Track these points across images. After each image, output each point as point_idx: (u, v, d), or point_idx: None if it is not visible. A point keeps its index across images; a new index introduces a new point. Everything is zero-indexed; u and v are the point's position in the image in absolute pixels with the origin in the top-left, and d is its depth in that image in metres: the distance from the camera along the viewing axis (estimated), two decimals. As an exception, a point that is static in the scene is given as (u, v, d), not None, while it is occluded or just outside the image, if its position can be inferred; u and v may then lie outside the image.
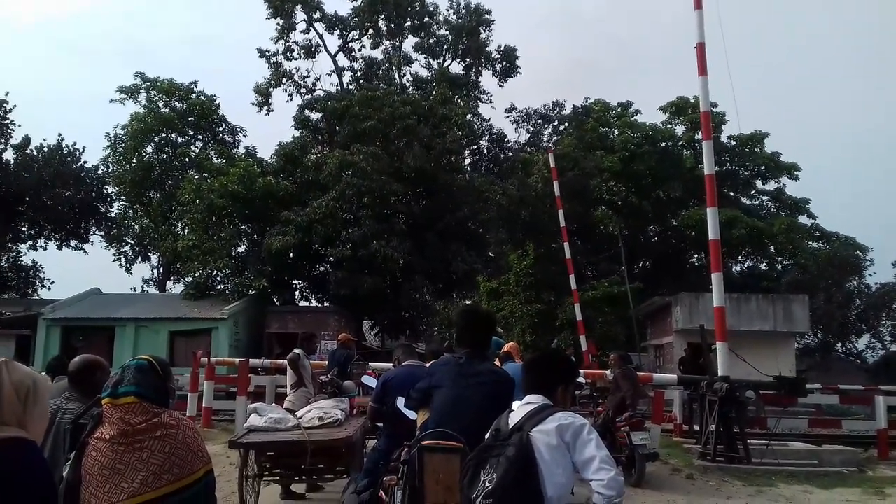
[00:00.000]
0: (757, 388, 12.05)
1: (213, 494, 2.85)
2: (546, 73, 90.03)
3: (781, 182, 35.21)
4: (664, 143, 34.13)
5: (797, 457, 11.31)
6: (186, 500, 2.66)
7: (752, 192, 36.17)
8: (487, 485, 2.86)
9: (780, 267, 35.21)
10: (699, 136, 28.81)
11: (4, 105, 30.53)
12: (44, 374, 5.18)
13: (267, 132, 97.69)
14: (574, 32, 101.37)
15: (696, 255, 35.13)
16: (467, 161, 33.78)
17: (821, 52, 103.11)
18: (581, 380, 10.64)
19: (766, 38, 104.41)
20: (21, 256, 35.27)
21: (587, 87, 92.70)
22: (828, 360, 36.17)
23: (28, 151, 32.75)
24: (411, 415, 4.72)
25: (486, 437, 3.16)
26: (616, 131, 34.92)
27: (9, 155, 32.19)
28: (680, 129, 34.79)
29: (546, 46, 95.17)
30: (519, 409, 3.16)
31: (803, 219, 34.72)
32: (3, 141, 31.41)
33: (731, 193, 34.11)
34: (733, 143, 34.47)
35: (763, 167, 34.40)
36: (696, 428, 12.91)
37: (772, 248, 33.13)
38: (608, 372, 11.81)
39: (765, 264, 35.25)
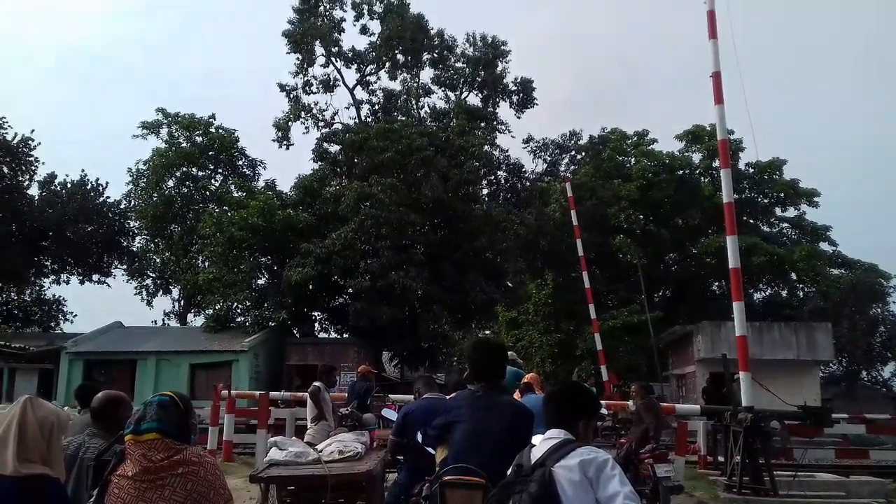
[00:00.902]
0: (782, 418, 11.86)
1: (235, 531, 2.86)
2: (560, 98, 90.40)
3: (801, 209, 34.98)
4: (681, 171, 34.06)
5: (824, 488, 11.07)
6: (208, 538, 2.66)
7: (772, 220, 35.92)
8: (510, 521, 2.83)
9: (801, 294, 34.81)
10: (716, 163, 28.73)
11: (30, 142, 31.11)
12: (66, 408, 5.22)
13: (286, 164, 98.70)
14: (587, 58, 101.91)
15: (717, 283, 34.83)
16: (485, 191, 33.96)
17: (839, 76, 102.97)
18: (603, 411, 10.53)
19: (782, 63, 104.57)
20: (44, 291, 35.75)
21: (602, 113, 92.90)
22: (853, 388, 35.52)
23: (52, 187, 33.29)
24: (431, 450, 4.69)
25: (508, 472, 3.13)
26: (633, 160, 34.91)
27: (33, 191, 32.80)
28: (697, 157, 34.74)
29: (559, 72, 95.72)
30: (541, 444, 3.13)
31: (825, 246, 34.42)
32: (27, 177, 31.98)
33: (751, 221, 33.86)
34: (751, 170, 34.33)
35: (782, 194, 34.18)
36: (721, 459, 12.69)
37: (793, 276, 32.79)
38: (630, 403, 11.68)
39: (786, 292, 34.86)
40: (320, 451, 7.15)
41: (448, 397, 5.73)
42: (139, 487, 2.64)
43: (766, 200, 35.06)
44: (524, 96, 35.87)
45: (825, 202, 34.00)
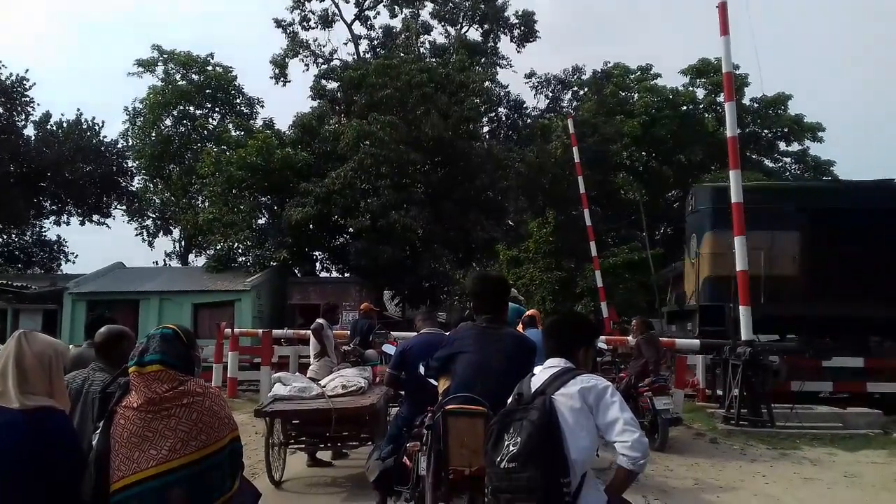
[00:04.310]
0: (781, 352, 11.99)
1: (241, 460, 2.90)
2: (562, 29, 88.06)
3: (805, 144, 34.68)
4: (685, 107, 33.63)
5: (821, 420, 11.26)
6: (214, 466, 2.70)
7: (776, 155, 35.63)
8: (511, 448, 2.86)
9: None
10: (721, 98, 28.34)
11: (24, 82, 30.69)
12: (71, 346, 5.25)
13: (284, 101, 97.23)
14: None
15: (718, 220, 34.71)
16: (486, 129, 33.57)
17: (847, 6, 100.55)
18: (602, 346, 10.65)
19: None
20: (45, 232, 35.78)
21: (605, 43, 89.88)
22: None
23: (48, 127, 32.96)
24: (433, 381, 4.73)
25: (509, 401, 3.16)
26: (636, 96, 34.42)
27: (30, 131, 32.48)
28: (701, 93, 34.24)
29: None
30: (541, 373, 3.15)
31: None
32: (23, 117, 31.65)
33: (754, 156, 33.60)
34: (756, 105, 33.89)
35: (786, 129, 33.81)
36: (720, 392, 12.88)
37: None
38: (630, 338, 11.80)
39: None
40: (324, 387, 7.25)
41: (447, 333, 5.76)
42: (144, 418, 2.67)
43: (770, 135, 34.72)
44: (525, 30, 35.15)
45: (830, 136, 33.68)
